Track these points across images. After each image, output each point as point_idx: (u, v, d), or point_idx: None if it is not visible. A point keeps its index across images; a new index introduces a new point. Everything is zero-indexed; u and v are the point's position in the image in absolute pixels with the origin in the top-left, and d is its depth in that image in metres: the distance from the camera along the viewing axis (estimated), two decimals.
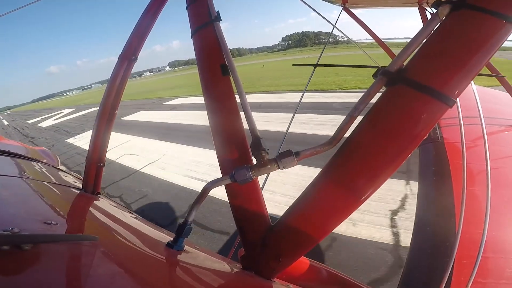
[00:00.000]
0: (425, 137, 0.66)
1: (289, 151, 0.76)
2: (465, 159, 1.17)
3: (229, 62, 0.96)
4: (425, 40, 0.68)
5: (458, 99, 1.28)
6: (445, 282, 0.91)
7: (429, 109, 0.63)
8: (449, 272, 0.93)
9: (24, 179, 1.32)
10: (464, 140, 1.27)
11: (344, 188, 0.70)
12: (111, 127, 1.34)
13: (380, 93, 0.72)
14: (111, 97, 1.30)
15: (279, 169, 0.78)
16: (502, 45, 0.62)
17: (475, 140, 1.90)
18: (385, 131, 0.67)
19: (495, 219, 1.14)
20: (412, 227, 1.51)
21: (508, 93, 2.62)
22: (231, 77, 0.96)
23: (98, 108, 1.34)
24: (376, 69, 0.74)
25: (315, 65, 2.17)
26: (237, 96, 0.94)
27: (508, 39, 0.62)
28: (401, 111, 0.66)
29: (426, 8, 3.11)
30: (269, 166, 0.78)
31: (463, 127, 1.29)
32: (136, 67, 1.36)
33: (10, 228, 0.58)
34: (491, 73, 2.58)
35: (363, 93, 0.73)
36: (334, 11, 3.42)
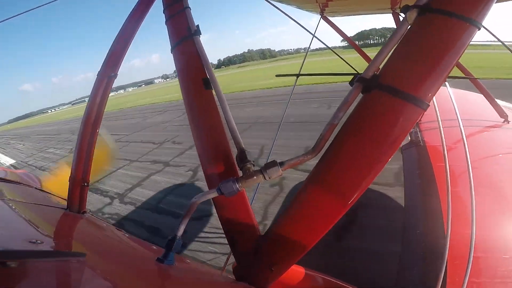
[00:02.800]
0: (403, 141, 0.68)
1: (273, 162, 0.77)
2: (447, 161, 1.20)
3: (211, 75, 0.97)
4: (396, 45, 0.70)
5: (435, 103, 1.33)
6: (440, 283, 0.92)
7: (404, 113, 0.65)
8: (443, 273, 0.94)
9: (7, 201, 1.28)
10: (444, 143, 1.31)
11: (330, 194, 0.71)
12: (93, 146, 1.31)
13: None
14: (92, 116, 1.28)
15: (265, 180, 0.78)
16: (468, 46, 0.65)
17: (455, 142, 1.95)
18: (364, 137, 0.69)
19: (481, 218, 1.17)
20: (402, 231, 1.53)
21: (481, 94, 2.73)
22: (213, 91, 0.96)
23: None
24: (352, 75, 0.77)
25: (297, 75, 2.22)
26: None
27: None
28: (378, 116, 0.68)
29: (400, 13, 3.26)
30: (255, 177, 0.78)
31: (443, 130, 1.33)
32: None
33: None
34: (464, 75, 2.69)
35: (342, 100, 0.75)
36: (313, 19, 3.55)
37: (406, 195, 1.85)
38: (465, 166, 1.21)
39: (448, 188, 1.13)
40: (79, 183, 1.30)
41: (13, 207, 1.20)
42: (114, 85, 1.36)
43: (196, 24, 1.04)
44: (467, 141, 1.28)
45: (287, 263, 0.79)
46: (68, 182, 1.30)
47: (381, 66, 0.72)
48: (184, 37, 1.02)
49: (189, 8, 1.08)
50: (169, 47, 1.06)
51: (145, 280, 0.75)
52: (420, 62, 0.65)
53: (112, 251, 0.96)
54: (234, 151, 0.89)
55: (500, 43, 2.31)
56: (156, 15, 1.29)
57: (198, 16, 1.11)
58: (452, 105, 1.50)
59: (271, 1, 2.29)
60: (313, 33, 2.60)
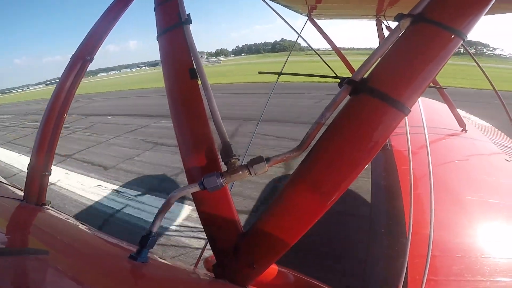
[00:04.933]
0: (383, 145, 0.71)
1: (260, 157, 0.77)
2: (411, 166, 1.28)
3: (198, 65, 0.93)
4: (386, 51, 0.73)
5: None
6: (402, 280, 0.98)
7: (388, 117, 0.67)
8: (405, 271, 1.00)
9: None
10: (410, 148, 1.39)
11: (312, 192, 0.72)
12: (58, 133, 1.20)
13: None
14: (60, 100, 1.18)
15: (250, 175, 0.77)
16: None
17: (419, 148, 2.10)
18: (349, 137, 0.71)
19: (439, 220, 1.26)
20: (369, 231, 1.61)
21: (445, 104, 2.96)
22: (199, 81, 0.93)
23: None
24: (339, 78, 0.78)
25: (279, 74, 2.23)
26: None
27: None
28: (363, 119, 0.70)
29: (382, 21, 3.42)
30: (240, 172, 0.77)
31: (410, 136, 1.41)
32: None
33: None
34: (432, 85, 2.90)
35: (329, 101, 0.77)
36: (299, 19, 3.59)
37: (372, 196, 1.95)
38: (426, 171, 1.29)
39: (411, 191, 1.20)
40: (40, 171, 1.19)
41: None
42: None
43: (187, 13, 1.00)
44: (429, 147, 1.37)
45: (269, 260, 0.79)
46: (26, 170, 1.19)
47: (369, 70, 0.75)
48: (174, 25, 0.98)
49: None
50: (147, 35, 1.01)
51: (117, 279, 0.71)
52: (408, 68, 0.68)
53: (78, 248, 0.90)
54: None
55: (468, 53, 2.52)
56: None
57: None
58: (420, 113, 1.60)
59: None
60: (299, 33, 2.62)
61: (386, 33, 3.06)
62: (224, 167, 0.82)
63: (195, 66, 0.93)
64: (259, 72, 1.95)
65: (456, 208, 1.68)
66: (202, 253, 1.29)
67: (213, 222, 0.84)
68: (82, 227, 1.10)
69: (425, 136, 1.43)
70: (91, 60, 1.24)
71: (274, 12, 2.47)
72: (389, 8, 2.83)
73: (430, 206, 1.14)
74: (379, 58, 0.73)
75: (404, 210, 1.56)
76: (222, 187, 0.77)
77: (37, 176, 1.18)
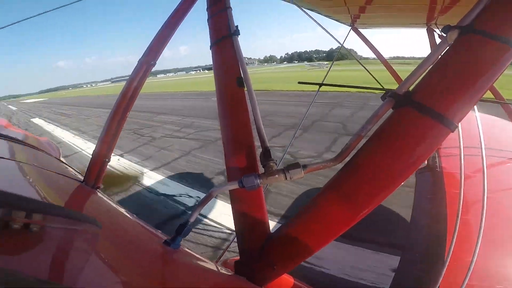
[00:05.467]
0: (425, 161, 0.68)
1: (297, 163, 0.79)
2: (462, 189, 1.19)
3: (245, 75, 1.00)
4: (433, 63, 0.71)
5: (460, 127, 1.31)
6: None
7: (432, 132, 0.65)
8: None
9: (29, 166, 1.34)
10: (463, 170, 1.29)
11: (345, 203, 0.72)
12: (121, 128, 1.36)
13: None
14: (126, 99, 1.33)
15: (286, 180, 0.81)
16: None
17: (474, 171, 1.91)
18: (389, 151, 0.70)
19: (485, 248, 1.15)
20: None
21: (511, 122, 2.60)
22: (245, 89, 1.00)
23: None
24: (384, 91, 0.78)
25: (320, 84, 2.19)
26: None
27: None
28: (406, 133, 0.69)
29: (434, 29, 3.17)
30: (277, 175, 0.81)
31: (464, 157, 1.31)
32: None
33: None
34: (494, 99, 2.57)
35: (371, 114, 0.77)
36: (340, 28, 3.52)
37: (412, 218, 1.83)
38: (479, 196, 1.19)
39: (458, 214, 1.12)
40: (101, 158, 1.35)
41: (34, 172, 1.26)
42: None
43: (235, 25, 1.08)
44: (487, 171, 1.26)
45: (291, 264, 0.81)
46: (91, 156, 1.36)
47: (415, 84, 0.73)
48: (224, 36, 1.07)
49: (231, 8, 1.13)
50: (198, 41, 1.10)
51: (149, 259, 0.78)
52: (455, 82, 0.65)
53: (123, 228, 1.00)
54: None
55: None
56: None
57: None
58: (477, 131, 1.46)
59: (301, 7, 2.30)
60: (341, 43, 2.56)
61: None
62: (262, 170, 0.86)
63: (242, 75, 1.00)
64: (299, 83, 1.94)
65: (507, 239, 1.50)
66: (226, 248, 1.33)
67: (245, 220, 0.89)
68: (126, 212, 1.22)
69: (482, 158, 1.32)
70: (154, 64, 1.37)
71: (315, 22, 2.45)
72: (440, 16, 2.62)
73: (478, 232, 1.05)
74: (425, 71, 0.72)
75: (448, 233, 1.45)
76: (258, 187, 0.82)
77: (98, 162, 1.34)
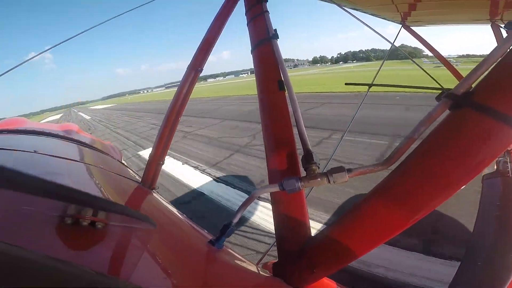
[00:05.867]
0: (487, 170, 0.62)
1: (341, 167, 0.78)
2: None
3: (285, 78, 1.01)
4: (497, 61, 0.64)
5: None
6: None
7: (496, 135, 0.59)
8: None
9: (96, 168, 1.52)
10: None
11: (396, 208, 0.69)
12: (174, 131, 1.48)
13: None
14: (177, 104, 1.45)
15: (329, 184, 0.79)
16: None
17: None
18: (446, 155, 0.64)
19: None
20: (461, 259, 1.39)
21: None
22: (286, 93, 1.01)
23: None
24: (440, 91, 0.72)
25: (370, 85, 2.08)
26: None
27: None
28: (466, 136, 0.63)
29: (500, 25, 2.84)
30: (319, 179, 0.80)
31: None
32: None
33: None
34: None
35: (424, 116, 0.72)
36: (390, 26, 3.30)
37: (476, 225, 1.65)
38: None
39: None
40: (156, 161, 1.48)
41: (100, 174, 1.41)
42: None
43: (274, 28, 1.10)
44: None
45: (331, 268, 0.79)
46: (147, 159, 1.50)
47: (474, 84, 0.67)
48: (263, 40, 1.09)
49: (268, 12, 1.15)
50: (240, 45, 1.14)
51: (197, 257, 0.83)
52: None
53: (174, 227, 1.07)
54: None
55: None
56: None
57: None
58: None
59: (346, 9, 2.23)
60: (392, 42, 2.40)
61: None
62: (304, 173, 0.86)
63: (282, 78, 1.02)
64: (346, 84, 1.87)
65: None
66: (267, 251, 1.34)
67: (285, 222, 0.89)
68: (177, 212, 1.31)
69: None
70: (201, 70, 1.47)
71: (362, 23, 2.34)
72: (506, 11, 2.32)
73: None
74: (488, 70, 0.65)
75: None
76: (299, 190, 0.81)
77: (153, 165, 1.48)
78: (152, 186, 1.50)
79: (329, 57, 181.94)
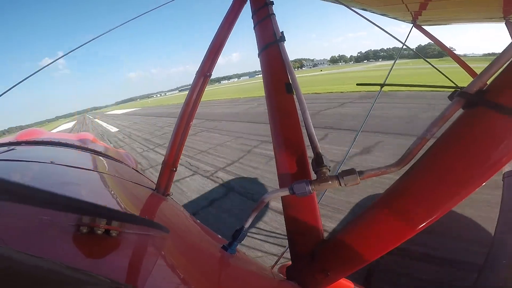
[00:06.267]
0: (507, 166, 0.60)
1: (352, 169, 0.77)
2: None
3: (293, 80, 1.01)
4: (511, 60, 0.62)
5: None
6: None
7: None
8: None
9: (111, 176, 1.55)
10: None
11: (409, 210, 0.67)
12: (186, 137, 1.49)
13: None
14: (188, 110, 1.46)
15: (340, 186, 0.78)
16: None
17: None
18: (460, 156, 0.63)
19: None
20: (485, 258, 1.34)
21: None
22: (294, 95, 1.01)
23: None
24: (453, 90, 0.71)
25: (382, 85, 2.04)
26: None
27: None
28: (481, 135, 0.61)
29: None
30: (330, 182, 0.79)
31: None
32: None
33: None
34: None
35: (437, 115, 0.70)
36: (402, 25, 3.24)
37: (499, 223, 1.59)
38: None
39: None
40: (170, 167, 1.50)
41: (115, 182, 1.42)
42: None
43: (281, 31, 1.11)
44: None
45: (344, 271, 0.78)
46: (161, 166, 1.52)
47: (488, 82, 0.65)
48: (270, 43, 1.10)
49: (274, 15, 1.15)
50: (248, 47, 1.14)
51: (210, 262, 0.83)
52: None
53: (187, 233, 1.08)
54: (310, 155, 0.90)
55: None
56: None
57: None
58: None
59: (354, 9, 2.21)
60: (403, 42, 2.36)
61: None
62: (314, 176, 0.85)
63: (290, 81, 1.01)
64: (358, 84, 1.84)
65: None
66: (281, 255, 1.33)
67: (297, 226, 0.89)
68: (191, 218, 1.31)
69: None
70: (210, 76, 1.47)
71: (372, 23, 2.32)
72: None
73: None
74: (502, 68, 0.63)
75: None
76: (310, 194, 0.81)
77: (167, 171, 1.49)
78: (166, 192, 1.51)
79: (348, 56, 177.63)
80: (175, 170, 1.51)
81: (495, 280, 1.19)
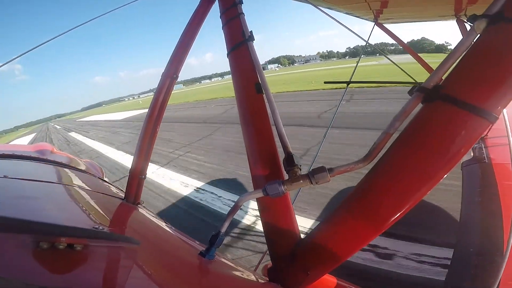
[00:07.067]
0: (464, 156, 0.63)
1: (322, 167, 0.77)
2: None
3: (262, 80, 1.00)
4: (462, 55, 0.66)
5: (506, 116, 1.20)
6: None
7: (468, 125, 0.61)
8: None
9: (76, 188, 1.45)
10: None
11: (377, 206, 0.69)
12: (153, 142, 1.43)
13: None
14: (155, 113, 1.40)
15: (312, 185, 0.79)
16: None
17: None
18: (420, 149, 0.65)
19: None
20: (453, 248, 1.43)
21: None
22: (264, 95, 1.00)
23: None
24: (415, 84, 0.73)
25: (348, 82, 2.12)
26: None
27: None
28: (439, 128, 0.64)
29: (465, 21, 2.99)
30: (301, 181, 0.79)
31: None
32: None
33: None
34: None
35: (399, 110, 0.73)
36: (368, 24, 3.38)
37: (463, 212, 1.72)
38: None
39: None
40: (138, 175, 1.43)
41: (80, 194, 1.34)
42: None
43: (249, 30, 1.09)
44: None
45: (324, 269, 0.79)
46: (128, 174, 1.44)
47: (444, 77, 0.68)
48: (239, 43, 1.08)
49: (243, 14, 1.14)
50: (221, 46, 1.12)
51: (187, 271, 0.80)
52: (490, 72, 0.61)
53: (161, 242, 1.04)
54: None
55: None
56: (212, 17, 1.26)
57: (250, 19, 1.14)
58: None
59: (321, 8, 2.27)
60: (366, 40, 2.46)
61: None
62: (286, 176, 0.85)
63: (260, 81, 1.01)
64: (325, 82, 1.89)
65: None
66: (262, 257, 1.33)
67: (273, 227, 0.88)
68: (165, 225, 1.26)
69: None
70: (176, 78, 1.42)
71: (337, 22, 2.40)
72: (469, 6, 2.45)
73: None
74: (455, 63, 0.67)
75: (504, 228, 1.33)
76: (283, 194, 0.81)
77: (135, 179, 1.42)
78: (136, 201, 1.45)
79: (335, 52, 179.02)
80: (144, 178, 1.44)
81: (467, 269, 1.26)
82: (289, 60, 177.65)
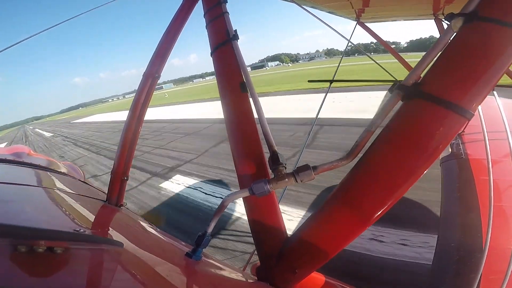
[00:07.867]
0: (443, 153, 0.65)
1: (306, 165, 0.78)
2: (491, 175, 1.13)
3: (247, 79, 1.00)
4: (440, 53, 0.68)
5: (481, 113, 1.25)
6: None
7: (446, 122, 0.62)
8: (475, 286, 0.89)
9: (55, 191, 1.39)
10: (489, 156, 1.22)
11: (359, 203, 0.70)
12: (135, 143, 1.39)
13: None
14: (136, 114, 1.36)
15: (297, 183, 0.79)
16: None
17: (502, 156, 1.82)
18: (401, 146, 0.67)
19: None
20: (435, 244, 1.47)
21: None
22: (249, 94, 0.99)
23: None
24: (394, 82, 0.75)
25: (331, 81, 2.15)
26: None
27: None
28: (418, 125, 0.66)
29: (442, 19, 3.10)
30: (286, 179, 0.80)
31: (489, 142, 1.24)
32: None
33: None
34: None
35: (380, 108, 0.74)
36: (351, 23, 3.43)
37: (443, 208, 1.77)
38: (510, 182, 1.14)
39: (490, 202, 1.07)
40: (120, 176, 1.39)
41: (60, 196, 1.29)
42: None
43: (234, 29, 1.08)
44: None
45: (311, 267, 0.80)
46: (110, 176, 1.40)
47: (422, 74, 0.70)
48: (223, 42, 1.07)
49: (228, 13, 1.12)
50: (205, 48, 1.11)
51: (173, 273, 0.79)
52: (465, 71, 0.63)
53: (145, 244, 1.02)
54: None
55: None
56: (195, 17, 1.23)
57: (237, 19, 1.10)
58: (501, 116, 1.40)
59: (305, 7, 2.29)
60: (348, 39, 2.51)
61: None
62: (272, 175, 0.85)
63: (244, 80, 1.00)
64: (309, 81, 1.91)
65: None
66: (251, 256, 1.33)
67: (260, 226, 0.88)
68: (149, 226, 1.24)
69: (509, 142, 1.25)
70: (158, 77, 1.39)
71: (320, 20, 2.42)
72: (447, 5, 2.55)
73: None
74: (432, 61, 0.69)
75: (482, 222, 1.38)
76: (269, 193, 0.81)
77: (117, 181, 1.38)
78: (119, 203, 1.41)
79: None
80: (127, 179, 1.40)
81: (449, 264, 1.30)
82: (291, 58, 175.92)
